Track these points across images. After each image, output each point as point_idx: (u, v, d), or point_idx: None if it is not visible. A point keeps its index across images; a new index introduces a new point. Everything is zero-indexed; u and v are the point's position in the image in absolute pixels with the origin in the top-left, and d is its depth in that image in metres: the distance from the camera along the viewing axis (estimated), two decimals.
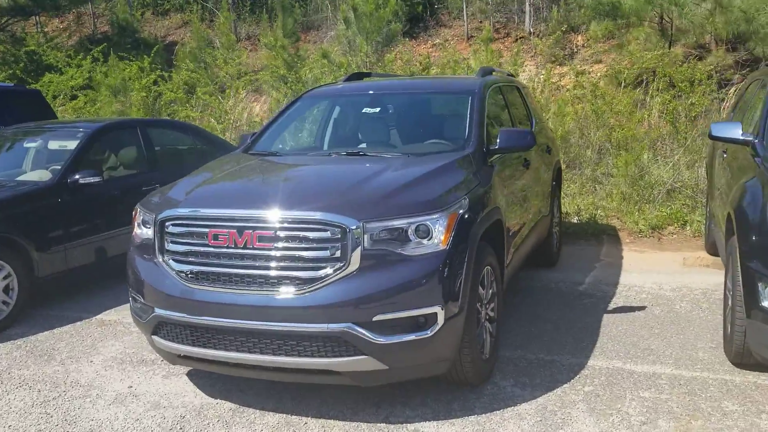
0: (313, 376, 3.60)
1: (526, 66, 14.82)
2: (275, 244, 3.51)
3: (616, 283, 6.15)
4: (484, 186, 4.20)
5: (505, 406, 3.82)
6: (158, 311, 3.78)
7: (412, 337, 3.47)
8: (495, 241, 4.25)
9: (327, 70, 13.28)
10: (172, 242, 3.78)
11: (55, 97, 13.47)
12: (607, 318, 5.22)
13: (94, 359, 4.78)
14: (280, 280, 3.51)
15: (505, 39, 16.92)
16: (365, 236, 3.45)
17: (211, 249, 3.64)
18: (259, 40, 18.39)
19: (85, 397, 4.18)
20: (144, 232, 4.03)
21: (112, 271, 6.56)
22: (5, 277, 5.45)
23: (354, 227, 3.44)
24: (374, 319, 3.42)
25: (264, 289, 3.53)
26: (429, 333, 3.48)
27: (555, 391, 3.99)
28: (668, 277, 6.27)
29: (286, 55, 13.07)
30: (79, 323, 5.55)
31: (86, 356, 4.83)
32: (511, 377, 4.18)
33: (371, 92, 5.45)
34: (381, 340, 3.42)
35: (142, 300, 3.91)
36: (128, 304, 5.92)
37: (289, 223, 3.51)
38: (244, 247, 3.55)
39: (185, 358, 3.86)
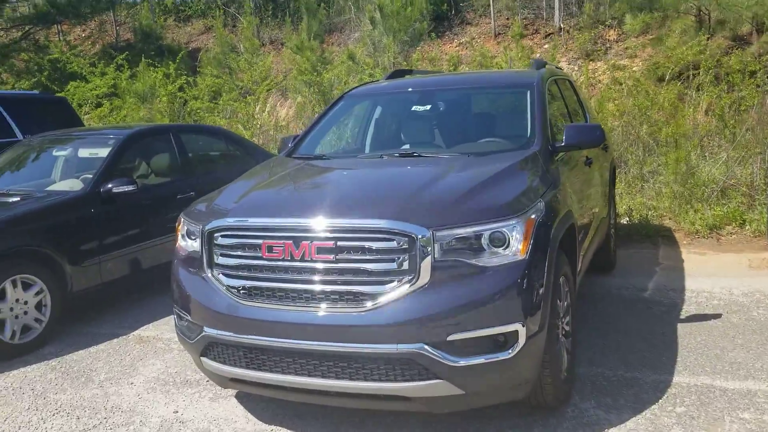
0: (380, 403, 3.25)
1: (558, 62, 14.41)
2: (336, 256, 3.17)
3: (683, 289, 5.74)
4: (556, 187, 3.83)
5: None
6: (208, 331, 3.45)
7: (491, 358, 3.11)
8: (568, 247, 3.88)
9: (353, 71, 12.99)
10: (222, 255, 3.45)
11: (80, 105, 13.29)
12: (682, 328, 4.81)
13: (134, 380, 4.47)
14: (341, 296, 3.17)
15: (534, 35, 16.52)
16: (435, 245, 3.09)
17: (266, 262, 3.30)
18: (282, 44, 18.18)
19: (128, 424, 3.86)
20: (189, 244, 3.72)
21: (147, 283, 6.31)
22: (37, 293, 5.17)
23: (423, 236, 3.08)
24: (449, 338, 3.06)
25: (324, 305, 3.19)
26: (510, 353, 3.12)
27: (644, 413, 3.60)
28: (737, 281, 5.85)
29: (314, 58, 12.77)
30: (115, 340, 5.26)
31: (126, 377, 4.53)
32: (591, 398, 3.80)
33: (420, 89, 5.09)
34: (457, 362, 3.06)
35: (189, 318, 3.58)
36: (166, 318, 5.76)
37: (351, 232, 3.17)
38: (302, 260, 3.21)
39: (238, 382, 3.52)
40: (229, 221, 3.46)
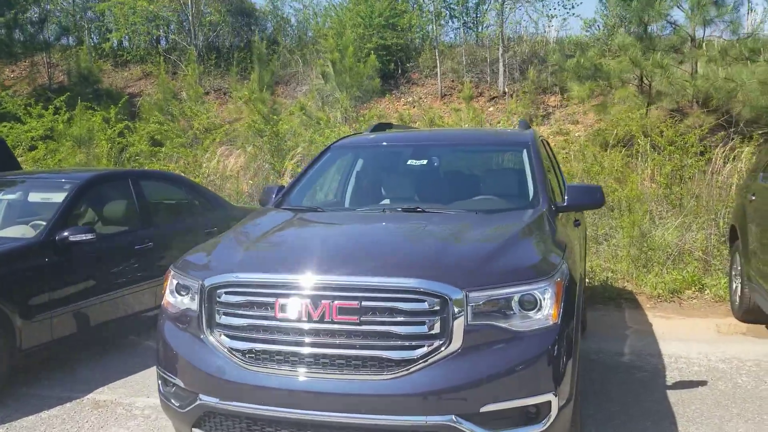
0: None
1: (500, 125, 14.70)
2: (360, 318, 2.91)
3: (659, 354, 5.70)
4: (566, 249, 3.72)
5: None
6: (204, 399, 3.11)
7: (525, 431, 2.90)
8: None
9: (306, 123, 12.84)
10: (226, 314, 3.14)
11: (14, 147, 12.55)
12: (672, 396, 4.73)
13: None
14: (364, 362, 2.91)
15: (479, 98, 16.85)
16: (468, 308, 2.89)
17: (278, 323, 3.01)
18: (225, 94, 17.90)
19: None
20: (181, 300, 3.38)
21: (101, 340, 5.83)
22: None
23: (456, 297, 2.88)
24: (482, 410, 2.84)
25: (345, 372, 2.92)
26: (543, 426, 2.92)
27: None
28: (710, 347, 5.86)
29: (265, 109, 12.55)
30: (68, 404, 4.75)
31: None
32: None
33: (414, 143, 4.96)
34: None
35: (181, 384, 3.23)
36: (122, 380, 5.28)
37: (378, 292, 2.93)
38: (321, 321, 2.94)
39: None
40: (236, 277, 3.15)
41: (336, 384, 2.91)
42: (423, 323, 2.89)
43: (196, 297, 3.24)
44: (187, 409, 3.19)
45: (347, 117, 13.42)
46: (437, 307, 2.89)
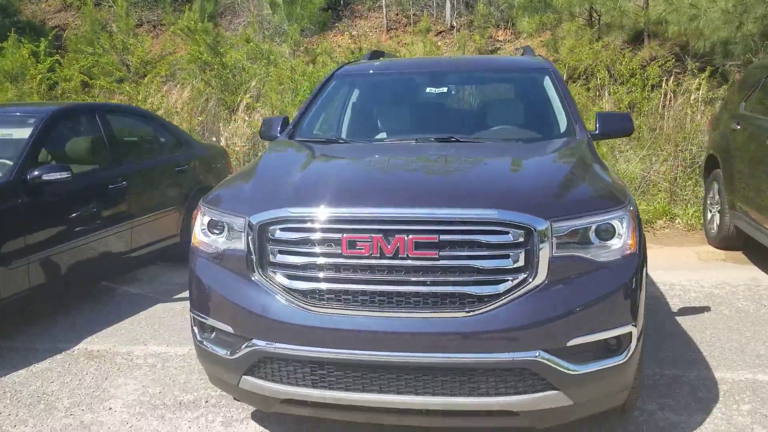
0: (481, 420, 2.82)
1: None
2: (439, 252, 2.70)
3: (653, 282, 5.77)
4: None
5: None
6: (259, 344, 2.84)
7: (608, 363, 2.79)
8: None
9: (253, 56, 12.22)
10: (281, 252, 2.86)
11: None
12: (683, 322, 4.78)
13: (112, 405, 3.70)
14: (443, 299, 2.71)
15: (426, 32, 16.49)
16: (553, 239, 2.72)
17: (345, 260, 2.76)
18: (155, 27, 16.85)
19: None
20: (218, 240, 3.07)
21: (75, 287, 5.42)
22: None
23: (541, 228, 2.70)
24: (569, 344, 2.71)
25: (422, 310, 2.71)
26: (624, 358, 2.82)
27: (713, 413, 3.45)
28: (699, 274, 5.97)
29: (209, 40, 11.81)
30: (59, 356, 4.39)
31: (98, 402, 3.74)
32: (650, 400, 3.59)
33: (429, 70, 4.67)
34: (577, 369, 2.71)
35: (229, 329, 2.95)
36: (111, 329, 4.91)
37: (457, 224, 2.71)
38: (395, 257, 2.71)
39: (294, 404, 2.93)
40: (292, 211, 2.86)
41: (411, 322, 2.71)
42: (507, 256, 2.70)
43: (242, 235, 2.94)
44: (237, 356, 2.92)
45: (295, 50, 12.87)
46: (521, 239, 2.70)
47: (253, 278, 2.91)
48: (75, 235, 5.15)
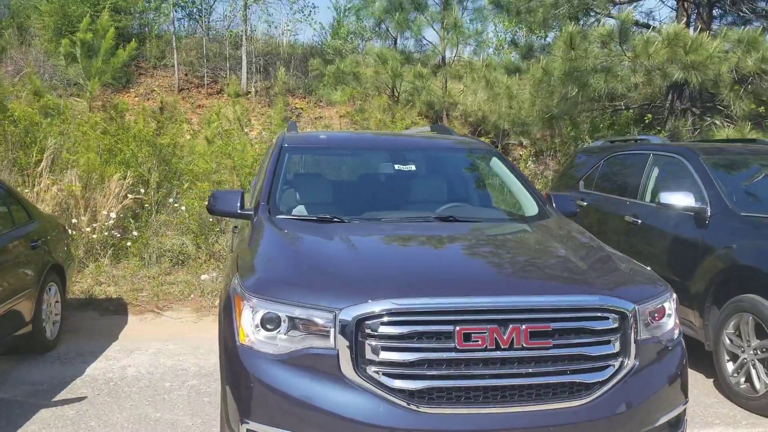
0: None
1: (252, 125, 14.33)
2: (553, 341, 2.68)
3: None
4: None
5: None
6: None
7: None
8: None
9: (45, 112, 10.91)
10: (385, 349, 2.61)
11: None
12: None
13: None
14: (554, 389, 2.68)
15: (219, 95, 16.14)
16: (640, 322, 2.86)
17: (459, 354, 2.60)
18: None
19: None
20: (283, 338, 2.71)
21: None
22: None
23: (629, 311, 2.83)
24: (657, 423, 2.83)
25: (534, 403, 2.65)
26: None
27: None
28: None
29: None
30: None
31: None
32: None
33: (386, 148, 4.64)
34: None
35: None
36: None
37: (569, 311, 2.73)
38: (510, 348, 2.63)
39: None
40: (403, 303, 2.62)
41: (526, 417, 2.62)
42: (609, 342, 2.76)
43: (330, 331, 2.64)
44: None
45: (93, 106, 11.77)
46: (617, 324, 2.79)
47: (347, 380, 2.61)
48: None
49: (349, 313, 2.62)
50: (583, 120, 10.58)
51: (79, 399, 4.73)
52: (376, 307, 2.62)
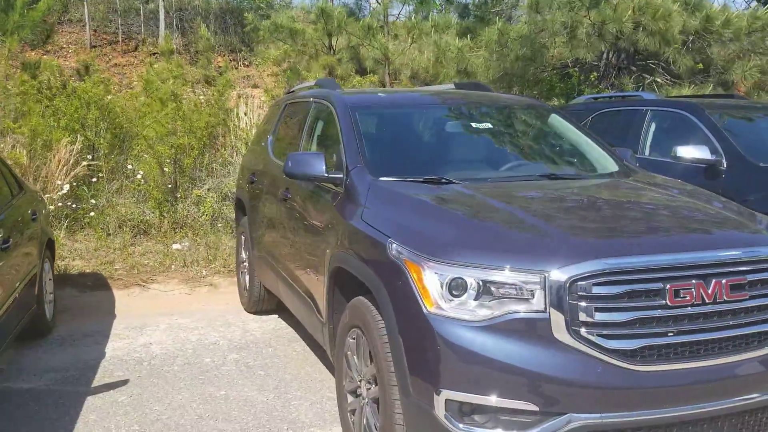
0: None
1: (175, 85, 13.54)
2: (750, 292, 2.69)
3: None
4: None
5: None
6: (580, 418, 2.46)
7: None
8: None
9: None
10: (599, 310, 2.51)
11: None
12: None
13: None
14: (748, 340, 2.70)
15: (136, 52, 15.12)
16: None
17: (671, 311, 2.56)
18: None
19: None
20: (474, 303, 2.57)
21: None
22: None
23: None
24: None
25: (737, 353, 2.66)
26: None
27: None
28: None
29: None
30: None
31: None
32: None
33: (465, 104, 4.53)
34: None
35: (532, 408, 2.47)
36: None
37: (758, 263, 2.74)
38: (714, 302, 2.61)
39: None
40: (614, 262, 2.53)
41: (731, 368, 2.63)
42: None
43: (539, 293, 2.51)
44: None
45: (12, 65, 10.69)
46: None
47: (560, 343, 2.50)
48: None
49: (562, 275, 2.51)
50: (537, 81, 10.75)
51: (123, 383, 4.34)
52: (591, 267, 2.52)
